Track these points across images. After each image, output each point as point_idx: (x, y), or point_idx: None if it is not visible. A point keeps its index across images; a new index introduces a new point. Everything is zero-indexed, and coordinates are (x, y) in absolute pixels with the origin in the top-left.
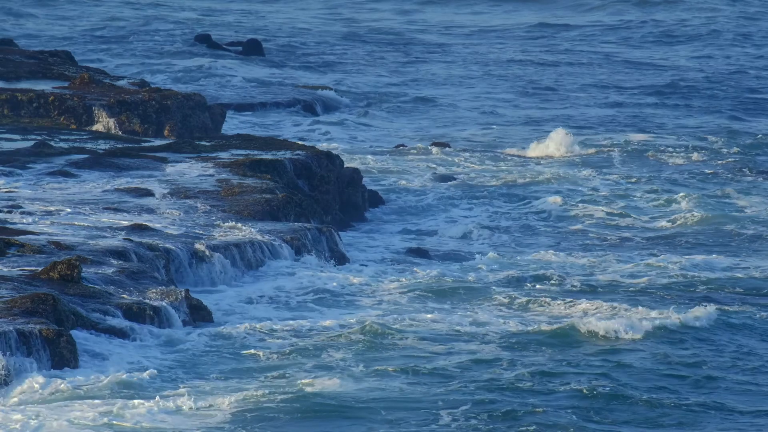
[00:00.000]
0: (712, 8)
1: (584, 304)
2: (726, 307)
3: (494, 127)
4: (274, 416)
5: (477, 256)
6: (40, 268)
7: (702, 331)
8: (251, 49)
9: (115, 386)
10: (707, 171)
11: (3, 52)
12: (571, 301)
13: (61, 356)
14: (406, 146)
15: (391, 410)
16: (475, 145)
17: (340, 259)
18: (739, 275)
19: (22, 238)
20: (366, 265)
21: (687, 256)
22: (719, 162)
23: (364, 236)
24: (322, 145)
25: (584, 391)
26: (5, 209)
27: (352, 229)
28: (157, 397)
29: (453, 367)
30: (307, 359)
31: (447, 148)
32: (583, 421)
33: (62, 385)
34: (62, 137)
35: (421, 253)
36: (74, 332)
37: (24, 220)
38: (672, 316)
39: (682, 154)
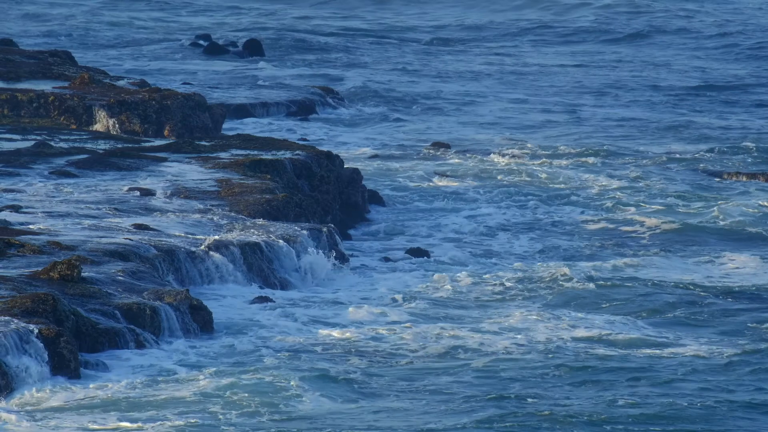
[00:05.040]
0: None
1: (603, 310)
2: None
3: (499, 129)
4: (271, 424)
5: (479, 257)
6: (40, 268)
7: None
8: (251, 50)
9: (115, 388)
10: (724, 174)
11: (3, 52)
12: (590, 307)
13: (61, 357)
14: (407, 146)
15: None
16: (478, 147)
17: (341, 259)
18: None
19: (22, 238)
20: (366, 266)
21: (696, 263)
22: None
23: (364, 236)
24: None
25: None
26: (5, 209)
27: (352, 229)
28: (154, 399)
29: (457, 381)
30: (307, 366)
31: (448, 150)
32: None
33: (61, 388)
34: (62, 137)
35: (421, 253)
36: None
37: (24, 220)
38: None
39: (690, 156)
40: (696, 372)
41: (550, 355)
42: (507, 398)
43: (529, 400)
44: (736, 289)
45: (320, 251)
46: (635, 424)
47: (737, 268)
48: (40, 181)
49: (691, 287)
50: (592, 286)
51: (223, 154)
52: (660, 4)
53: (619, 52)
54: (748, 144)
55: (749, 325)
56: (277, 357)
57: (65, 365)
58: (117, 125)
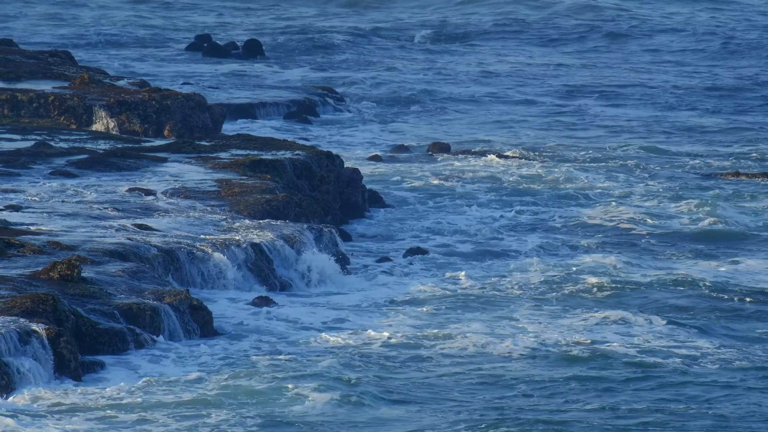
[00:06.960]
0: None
1: (610, 312)
2: None
3: (501, 129)
4: (269, 427)
5: (482, 258)
6: (40, 268)
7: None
8: (251, 50)
9: (114, 389)
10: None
11: (3, 52)
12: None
13: (60, 357)
14: (408, 147)
15: None
16: (480, 147)
17: (341, 260)
18: None
19: (22, 238)
20: (367, 266)
21: (705, 264)
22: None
23: (365, 237)
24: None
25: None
26: (5, 209)
27: (353, 230)
28: (153, 400)
29: (459, 384)
30: (306, 368)
31: (450, 150)
32: None
33: (61, 388)
34: (62, 137)
35: (422, 253)
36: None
37: (24, 221)
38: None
39: (697, 158)
40: (707, 375)
41: (556, 358)
42: (509, 402)
43: (532, 405)
44: (747, 290)
45: (321, 251)
46: (643, 428)
47: (747, 269)
48: (40, 182)
49: (701, 288)
50: (599, 287)
51: (223, 154)
52: (663, 3)
53: (625, 50)
54: (759, 145)
55: (760, 329)
56: (276, 359)
57: (65, 365)
58: (117, 125)
